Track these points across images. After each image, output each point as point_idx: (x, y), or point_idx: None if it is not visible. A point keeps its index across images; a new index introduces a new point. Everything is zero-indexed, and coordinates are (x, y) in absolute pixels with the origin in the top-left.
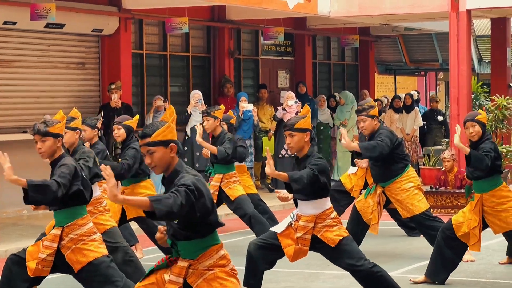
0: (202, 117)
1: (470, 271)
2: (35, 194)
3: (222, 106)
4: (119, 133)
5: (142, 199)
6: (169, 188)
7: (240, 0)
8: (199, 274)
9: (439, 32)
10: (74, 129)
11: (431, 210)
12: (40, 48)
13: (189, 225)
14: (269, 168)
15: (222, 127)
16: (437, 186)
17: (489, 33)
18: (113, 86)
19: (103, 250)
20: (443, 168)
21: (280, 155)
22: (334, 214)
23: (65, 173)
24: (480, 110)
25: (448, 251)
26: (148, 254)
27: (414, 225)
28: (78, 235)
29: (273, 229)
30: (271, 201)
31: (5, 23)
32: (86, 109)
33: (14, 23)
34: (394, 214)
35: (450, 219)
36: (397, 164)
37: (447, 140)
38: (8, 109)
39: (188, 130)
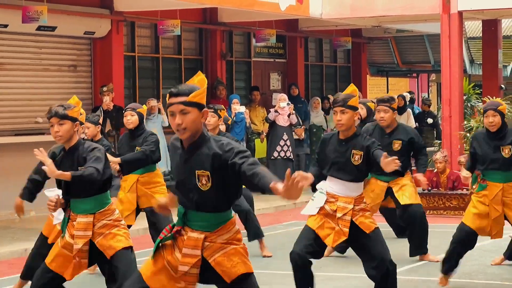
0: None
1: (462, 272)
2: (79, 186)
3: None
4: (132, 119)
5: None
6: (195, 153)
7: (232, 2)
8: (218, 248)
9: (431, 33)
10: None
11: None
12: (32, 51)
13: (225, 193)
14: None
15: (220, 128)
16: (429, 188)
17: (481, 34)
18: (105, 89)
19: (131, 241)
20: (435, 170)
21: (272, 157)
22: (365, 199)
23: (100, 158)
24: (499, 100)
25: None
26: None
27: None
28: (112, 221)
29: (305, 212)
30: (264, 203)
31: None
32: None
33: (6, 26)
34: (387, 213)
35: (466, 227)
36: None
37: (439, 141)
38: (0, 112)
39: None
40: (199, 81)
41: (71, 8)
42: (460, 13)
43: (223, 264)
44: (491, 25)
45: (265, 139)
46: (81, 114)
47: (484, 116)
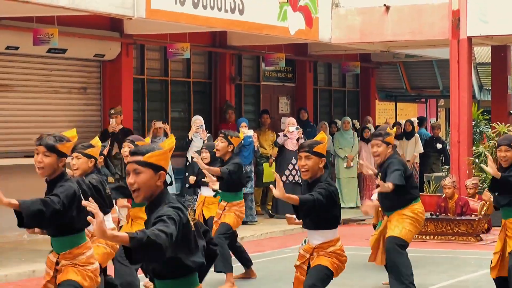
0: (218, 136)
1: None
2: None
3: (241, 135)
4: (128, 152)
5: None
6: (150, 217)
7: (242, 26)
8: None
9: (440, 59)
10: (89, 156)
11: (431, 237)
12: (42, 73)
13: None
14: (279, 191)
15: (232, 154)
16: (438, 213)
17: (490, 60)
18: (112, 111)
19: (88, 282)
20: (444, 195)
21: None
22: (337, 247)
23: (61, 194)
24: None
25: None
26: None
27: None
28: (71, 264)
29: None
30: (271, 226)
31: (7, 48)
32: (87, 133)
33: (17, 48)
34: None
35: None
36: (404, 196)
37: (447, 167)
38: (9, 134)
39: (189, 156)
40: (169, 143)
41: (81, 30)
42: (470, 39)
43: None
44: (500, 51)
45: (273, 163)
46: (94, 146)
47: (497, 149)
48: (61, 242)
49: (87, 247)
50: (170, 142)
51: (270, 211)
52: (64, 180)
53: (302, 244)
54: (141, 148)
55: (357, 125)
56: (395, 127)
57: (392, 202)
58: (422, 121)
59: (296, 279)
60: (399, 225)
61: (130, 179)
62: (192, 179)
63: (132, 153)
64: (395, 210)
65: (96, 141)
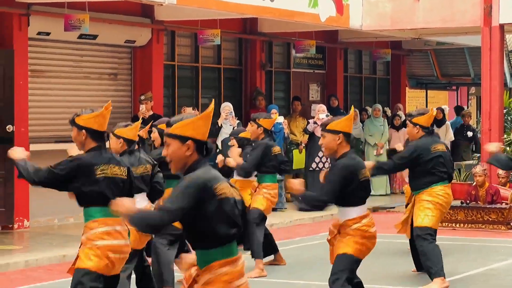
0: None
1: None
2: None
3: (275, 116)
4: (153, 136)
5: None
6: None
7: (272, 13)
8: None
9: (471, 46)
10: (117, 136)
11: (461, 225)
12: (73, 59)
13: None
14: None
15: (265, 135)
16: (468, 201)
17: None
18: (142, 97)
19: (89, 262)
20: (474, 183)
21: (310, 168)
22: (361, 224)
23: (60, 163)
24: None
25: None
26: None
27: None
28: (85, 238)
29: None
30: (301, 213)
31: (39, 33)
32: (117, 119)
33: (48, 34)
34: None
35: None
36: (425, 177)
37: (478, 155)
38: (41, 119)
39: (218, 142)
40: (207, 110)
41: (112, 17)
42: (502, 26)
43: None
44: None
45: (304, 150)
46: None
47: None
48: (84, 214)
49: (105, 223)
50: (208, 109)
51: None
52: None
53: None
54: (172, 120)
55: (388, 112)
56: (435, 112)
57: (414, 181)
58: (458, 109)
59: (331, 253)
60: (421, 213)
61: (163, 151)
62: (219, 158)
63: (166, 125)
64: (414, 191)
65: (136, 123)
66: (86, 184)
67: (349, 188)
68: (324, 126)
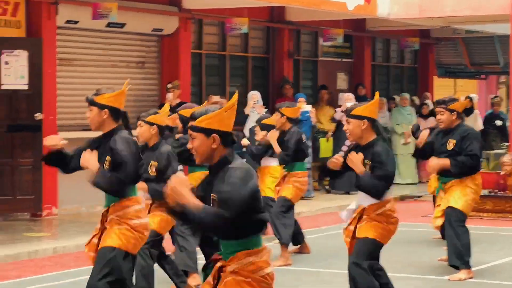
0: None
1: None
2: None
3: (300, 105)
4: (176, 122)
5: None
6: (212, 179)
7: (300, 1)
8: (223, 277)
9: (500, 34)
10: (150, 123)
11: (488, 214)
12: (100, 47)
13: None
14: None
15: (290, 124)
16: (496, 191)
17: None
18: (169, 86)
19: (119, 241)
20: (503, 172)
21: None
22: (386, 208)
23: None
24: None
25: None
26: None
27: None
28: (118, 217)
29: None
30: (328, 202)
31: (67, 22)
32: (145, 108)
33: (76, 22)
34: None
35: None
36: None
37: (506, 144)
38: (68, 107)
39: (246, 131)
40: (230, 102)
41: (140, 5)
42: None
43: None
44: None
45: (331, 138)
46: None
47: None
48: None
49: (137, 201)
50: (231, 101)
51: (327, 187)
52: (120, 136)
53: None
54: (196, 113)
55: (417, 101)
56: (464, 99)
57: (442, 171)
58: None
59: (347, 243)
60: (462, 197)
61: (188, 144)
62: (244, 141)
63: (190, 118)
64: (455, 178)
65: (164, 107)
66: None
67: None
68: (348, 112)
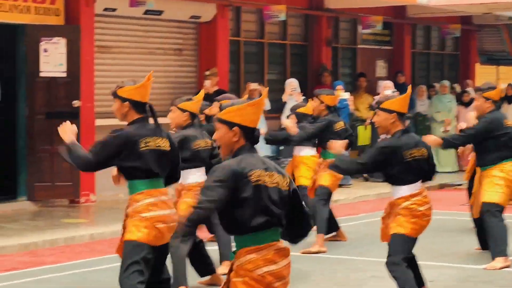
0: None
1: None
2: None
3: (338, 92)
4: (215, 111)
5: None
6: None
7: None
8: (231, 277)
9: None
10: (183, 110)
11: None
12: (138, 35)
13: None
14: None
15: (327, 111)
16: None
17: None
18: (207, 73)
19: (138, 234)
20: None
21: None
22: (410, 202)
23: (100, 143)
24: None
25: None
26: None
27: None
28: (131, 210)
29: None
30: (366, 190)
31: (105, 9)
32: (182, 95)
33: (114, 10)
34: None
35: None
36: (496, 152)
37: None
38: (106, 95)
39: (283, 118)
40: (260, 97)
41: None
42: None
43: None
44: None
45: (369, 126)
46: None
47: None
48: (128, 187)
49: (150, 194)
50: (258, 99)
51: (365, 174)
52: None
53: None
54: (223, 105)
55: (458, 89)
56: (505, 87)
57: (481, 156)
58: None
59: (381, 231)
60: (490, 189)
61: (214, 135)
62: (262, 131)
63: (219, 109)
64: (483, 166)
65: (199, 95)
66: (130, 157)
67: (391, 168)
68: (379, 104)
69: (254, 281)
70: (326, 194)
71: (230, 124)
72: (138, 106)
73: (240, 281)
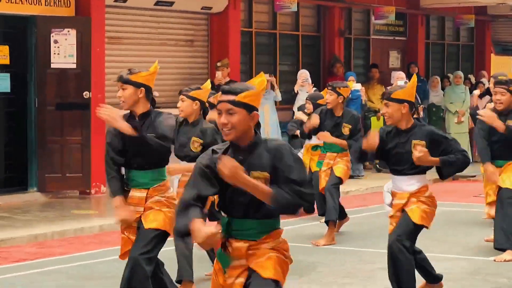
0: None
1: None
2: (143, 153)
3: (350, 84)
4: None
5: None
6: (246, 159)
7: None
8: (261, 254)
9: None
10: (193, 98)
11: None
12: (149, 25)
13: None
14: (420, 152)
15: (344, 106)
16: None
17: None
18: (219, 64)
19: (166, 226)
20: None
21: None
22: (429, 193)
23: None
24: None
25: None
26: None
27: None
28: (165, 198)
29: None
30: (378, 181)
31: (115, 0)
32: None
33: (124, 1)
34: None
35: None
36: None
37: None
38: (116, 86)
39: (295, 109)
40: (259, 82)
41: None
42: None
43: (259, 266)
44: None
45: (382, 117)
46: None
47: None
48: (155, 174)
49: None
50: (260, 81)
51: (377, 166)
52: (162, 114)
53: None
54: (235, 87)
55: (473, 79)
56: None
57: (502, 152)
58: None
59: (390, 231)
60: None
61: (223, 119)
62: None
63: (225, 92)
64: (505, 160)
65: (206, 84)
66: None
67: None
68: (388, 95)
69: (289, 262)
70: (338, 184)
71: (250, 108)
72: (149, 93)
73: (284, 260)
